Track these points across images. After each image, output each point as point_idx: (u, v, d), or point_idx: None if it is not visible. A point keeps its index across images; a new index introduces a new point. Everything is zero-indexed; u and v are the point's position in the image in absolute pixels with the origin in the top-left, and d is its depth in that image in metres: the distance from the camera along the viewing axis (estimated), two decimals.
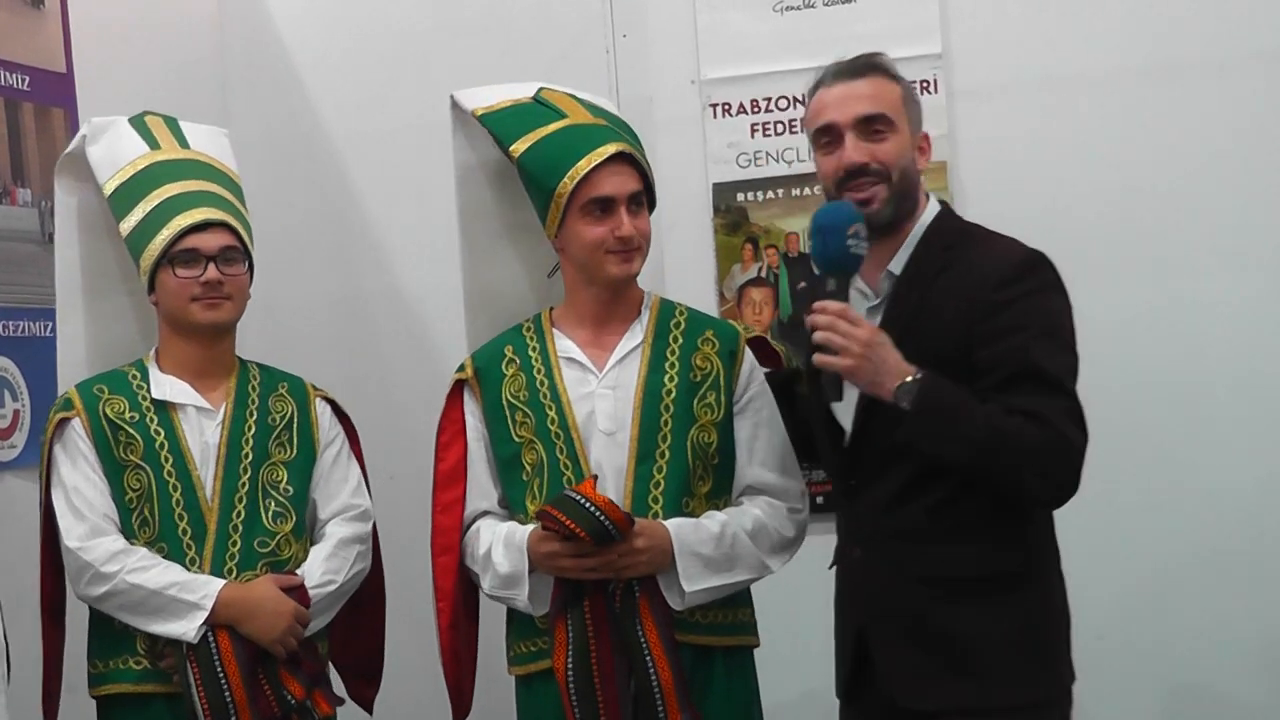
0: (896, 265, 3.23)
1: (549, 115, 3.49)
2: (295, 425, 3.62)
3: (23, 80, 4.61)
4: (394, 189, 5.26)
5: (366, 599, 3.70)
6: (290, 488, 3.57)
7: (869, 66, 3.28)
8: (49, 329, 4.53)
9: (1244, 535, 4.41)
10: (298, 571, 3.51)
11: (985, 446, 3.05)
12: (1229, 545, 4.42)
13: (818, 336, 3.08)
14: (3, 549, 3.99)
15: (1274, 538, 4.40)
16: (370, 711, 3.81)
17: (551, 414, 3.39)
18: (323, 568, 3.53)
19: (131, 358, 3.70)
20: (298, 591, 3.46)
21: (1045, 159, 4.50)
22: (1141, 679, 4.45)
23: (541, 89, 3.58)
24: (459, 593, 3.47)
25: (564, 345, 3.46)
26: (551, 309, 3.56)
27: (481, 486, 3.47)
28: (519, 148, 3.46)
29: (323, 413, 3.68)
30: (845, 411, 3.26)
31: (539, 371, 3.44)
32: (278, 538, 3.52)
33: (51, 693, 3.60)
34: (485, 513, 3.46)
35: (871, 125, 3.22)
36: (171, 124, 3.76)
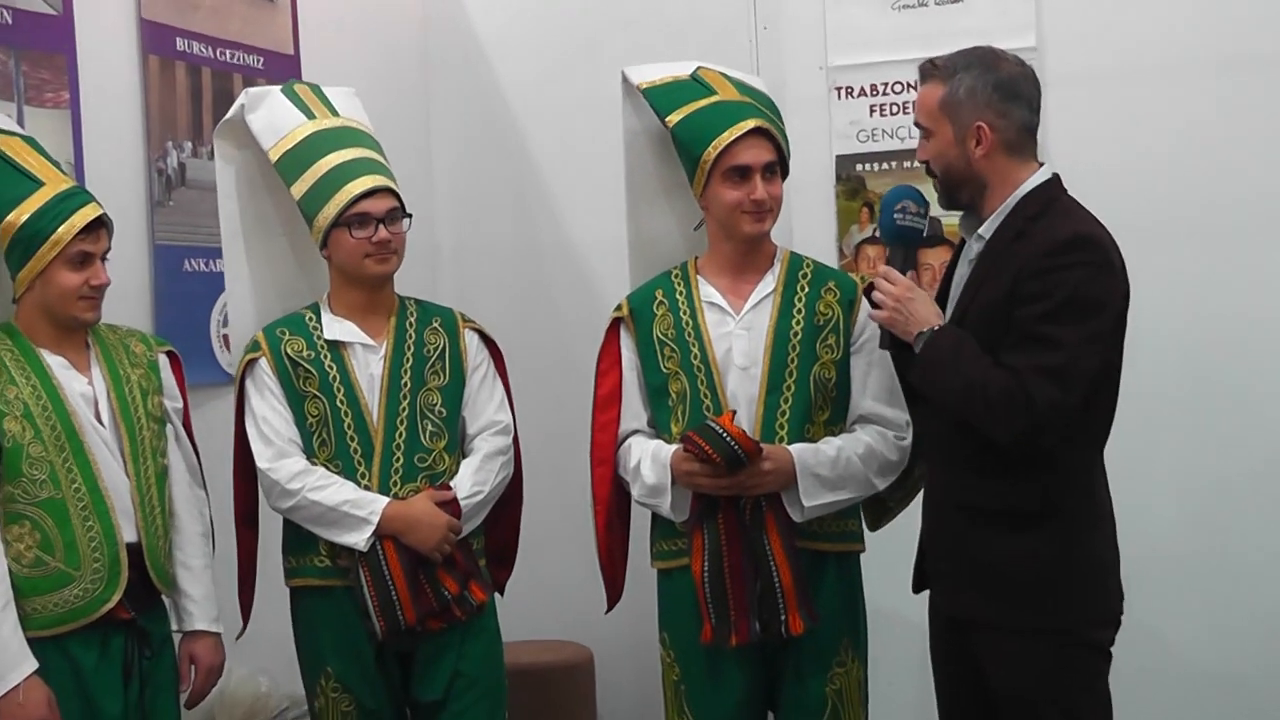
0: (987, 230, 3.09)
1: (700, 91, 3.44)
2: (447, 355, 3.57)
3: (258, 61, 4.64)
4: (565, 155, 5.25)
5: (507, 499, 3.66)
6: (444, 410, 3.52)
7: (921, 74, 3.17)
8: None
9: None
10: (451, 484, 3.48)
11: (959, 394, 2.98)
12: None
13: (872, 295, 3.16)
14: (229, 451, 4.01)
15: None
16: (502, 592, 3.76)
17: (695, 350, 3.35)
18: (471, 480, 3.49)
19: (291, 292, 3.69)
20: (450, 505, 3.43)
21: (1128, 140, 4.37)
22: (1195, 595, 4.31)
23: (699, 68, 3.53)
24: (613, 499, 3.45)
25: (706, 291, 3.41)
26: (696, 258, 3.51)
27: (633, 409, 3.44)
28: (673, 119, 3.43)
29: (470, 341, 3.62)
30: None
31: (685, 313, 3.39)
32: (434, 453, 3.49)
33: (247, 583, 3.62)
34: (636, 431, 3.44)
35: (920, 128, 3.17)
36: (318, 91, 3.69)
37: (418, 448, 3.47)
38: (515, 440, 3.64)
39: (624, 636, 4.79)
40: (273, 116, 3.58)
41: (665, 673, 3.43)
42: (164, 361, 3.44)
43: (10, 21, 3.77)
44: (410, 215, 3.55)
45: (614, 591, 3.56)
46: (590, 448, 3.47)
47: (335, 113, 3.63)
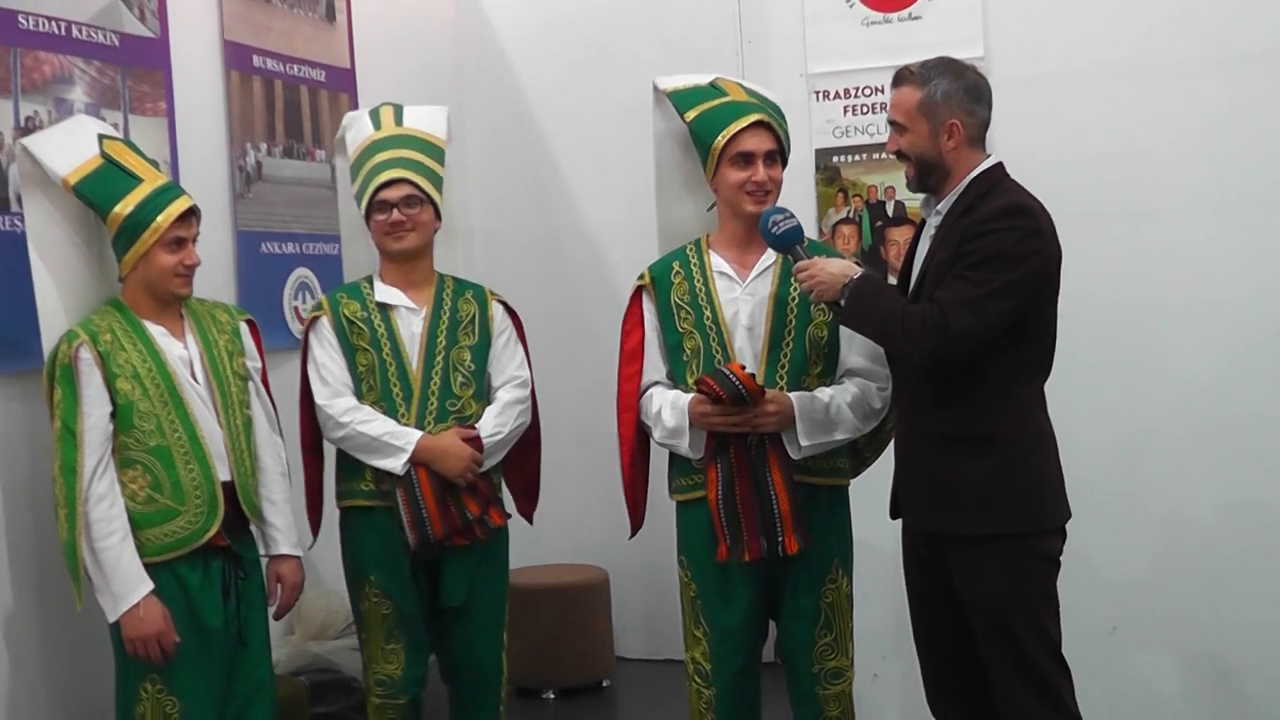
0: (944, 207, 3.12)
1: (715, 94, 3.43)
2: (477, 320, 3.60)
3: (320, 74, 4.65)
4: (579, 151, 5.29)
5: (528, 444, 3.71)
6: (473, 364, 3.56)
7: (897, 79, 3.17)
8: (335, 249, 4.56)
9: (1207, 406, 4.25)
10: (476, 425, 3.52)
11: (880, 324, 3.05)
12: (1198, 413, 4.27)
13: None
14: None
15: (1229, 409, 4.24)
16: (530, 522, 3.80)
17: (707, 312, 3.34)
18: (493, 422, 3.54)
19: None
20: (475, 441, 3.48)
21: (1062, 136, 4.36)
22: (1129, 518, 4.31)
23: (717, 78, 3.51)
24: (636, 440, 3.43)
25: (717, 262, 3.39)
26: (708, 235, 3.48)
27: (654, 363, 3.41)
28: (690, 115, 3.41)
29: (496, 311, 3.65)
30: None
31: (699, 281, 3.37)
32: (462, 400, 3.53)
33: (315, 504, 3.67)
34: (656, 383, 3.41)
35: (895, 125, 3.16)
36: (397, 110, 3.70)
37: (449, 394, 3.52)
38: (533, 394, 3.67)
39: (634, 560, 4.82)
40: (356, 133, 3.67)
41: (683, 590, 3.41)
42: (245, 329, 3.47)
43: (118, 44, 3.82)
44: (432, 201, 3.55)
45: (636, 519, 3.53)
46: (617, 397, 3.45)
47: (400, 123, 3.65)
